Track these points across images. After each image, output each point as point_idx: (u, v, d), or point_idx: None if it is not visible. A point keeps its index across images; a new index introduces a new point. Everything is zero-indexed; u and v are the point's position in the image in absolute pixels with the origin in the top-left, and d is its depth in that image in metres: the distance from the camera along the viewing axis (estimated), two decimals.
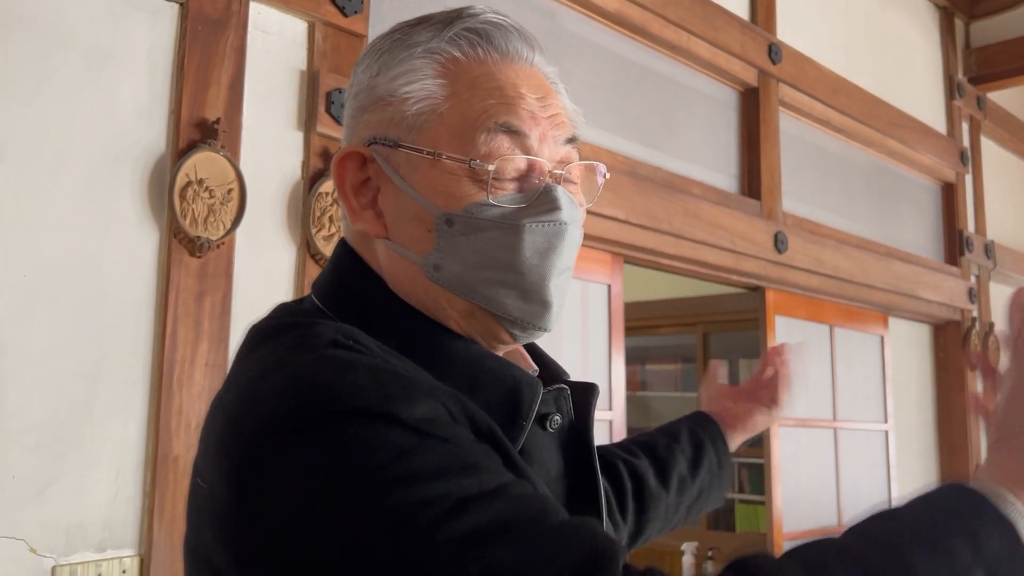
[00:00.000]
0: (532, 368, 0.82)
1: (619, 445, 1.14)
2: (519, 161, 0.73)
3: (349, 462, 0.59)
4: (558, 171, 0.75)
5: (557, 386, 0.77)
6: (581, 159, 0.79)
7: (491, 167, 0.71)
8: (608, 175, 0.82)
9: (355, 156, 0.77)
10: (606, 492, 0.99)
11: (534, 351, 0.85)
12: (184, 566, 0.73)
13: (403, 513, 0.57)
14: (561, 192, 0.74)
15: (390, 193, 0.75)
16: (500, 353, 0.78)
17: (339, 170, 0.77)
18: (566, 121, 0.77)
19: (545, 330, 0.75)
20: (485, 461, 0.62)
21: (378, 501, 0.57)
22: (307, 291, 1.85)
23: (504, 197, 0.72)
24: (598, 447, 1.02)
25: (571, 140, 0.77)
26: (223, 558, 0.64)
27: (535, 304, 0.73)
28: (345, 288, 0.77)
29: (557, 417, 0.76)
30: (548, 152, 0.75)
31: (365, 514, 0.57)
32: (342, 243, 0.81)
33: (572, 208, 0.75)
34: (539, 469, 0.73)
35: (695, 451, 1.15)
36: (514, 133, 0.72)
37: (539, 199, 0.73)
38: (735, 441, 1.25)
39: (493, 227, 0.72)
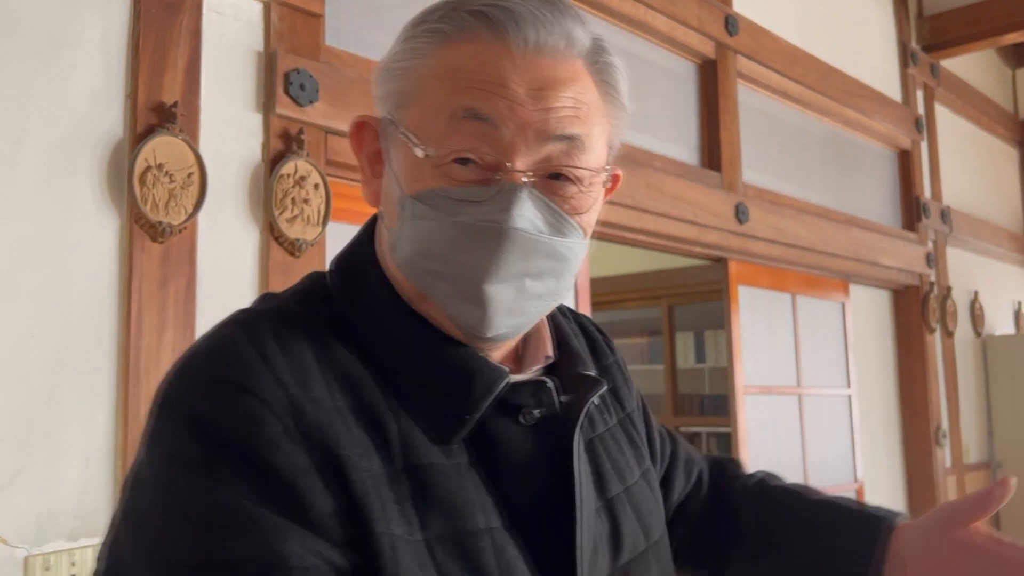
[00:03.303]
0: (547, 355, 0.79)
1: (787, 504, 0.99)
2: (482, 153, 0.68)
3: (156, 473, 0.64)
4: (527, 172, 0.68)
5: (537, 380, 0.75)
6: (609, 164, 0.74)
7: (442, 152, 0.68)
8: (608, 184, 0.76)
9: (366, 126, 0.76)
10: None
11: (563, 337, 0.83)
12: None
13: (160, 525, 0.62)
14: (524, 194, 0.68)
15: (386, 168, 0.76)
16: (493, 352, 0.75)
17: (353, 137, 0.77)
18: (575, 116, 0.69)
19: (482, 335, 0.70)
20: (264, 522, 0.60)
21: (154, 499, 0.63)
22: (271, 274, 1.86)
23: (457, 189, 0.68)
24: (770, 484, 1.01)
25: (570, 137, 0.69)
26: None
27: (469, 304, 0.69)
28: (350, 261, 0.78)
29: (535, 411, 0.73)
30: (525, 149, 0.68)
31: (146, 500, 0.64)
32: (373, 216, 0.81)
33: (538, 212, 0.69)
34: (505, 459, 0.71)
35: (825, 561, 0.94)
36: (482, 122, 0.67)
37: (494, 198, 0.67)
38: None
39: (434, 217, 0.68)
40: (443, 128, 0.68)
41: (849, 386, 4.08)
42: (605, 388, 0.78)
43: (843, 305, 4.11)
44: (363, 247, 0.78)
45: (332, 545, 0.61)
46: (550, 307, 0.75)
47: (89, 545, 1.58)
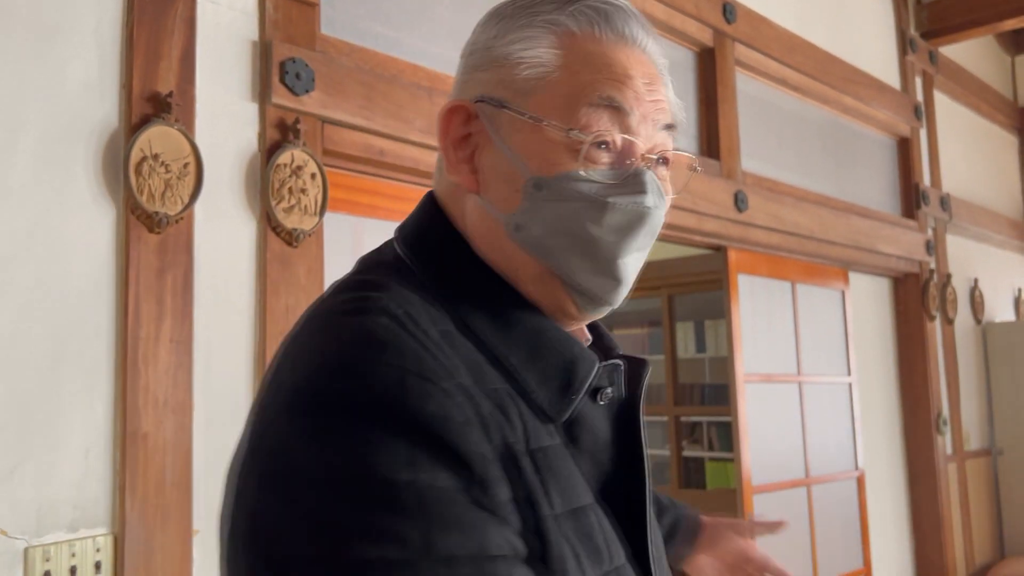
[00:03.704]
0: (587, 339, 0.85)
1: None
2: (616, 138, 0.75)
3: (345, 465, 0.60)
4: (652, 155, 0.77)
5: (613, 361, 0.80)
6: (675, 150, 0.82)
7: (588, 138, 0.73)
8: (699, 169, 0.85)
9: (461, 110, 0.79)
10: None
11: (592, 324, 0.87)
12: None
13: (368, 539, 0.59)
14: (650, 177, 0.76)
15: (488, 151, 0.78)
16: (569, 328, 0.80)
17: (444, 122, 0.79)
18: (668, 109, 0.79)
19: (611, 305, 0.78)
20: (477, 518, 0.61)
21: (354, 516, 0.59)
22: (268, 265, 1.86)
23: (595, 172, 0.74)
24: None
25: (670, 127, 0.79)
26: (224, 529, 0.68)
27: (605, 278, 0.76)
28: (427, 240, 0.80)
29: (609, 390, 0.78)
30: (646, 134, 0.76)
31: (336, 521, 0.59)
32: (428, 195, 0.84)
33: (658, 194, 0.77)
34: (588, 438, 0.75)
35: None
36: (616, 109, 0.74)
37: (628, 179, 0.75)
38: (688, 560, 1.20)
39: (580, 198, 0.74)
40: (582, 116, 0.74)
41: (849, 374, 4.08)
42: (650, 368, 0.84)
43: (843, 293, 4.11)
44: (440, 229, 0.80)
45: (515, 532, 0.64)
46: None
47: (89, 536, 1.58)
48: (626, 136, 0.75)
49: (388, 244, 0.83)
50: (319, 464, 0.61)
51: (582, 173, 0.74)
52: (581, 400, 0.75)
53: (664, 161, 0.79)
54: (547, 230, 0.75)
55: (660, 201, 0.77)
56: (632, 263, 0.77)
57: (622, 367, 0.81)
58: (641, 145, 0.76)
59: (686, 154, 0.81)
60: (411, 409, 0.62)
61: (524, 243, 0.76)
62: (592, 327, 0.87)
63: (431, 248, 0.79)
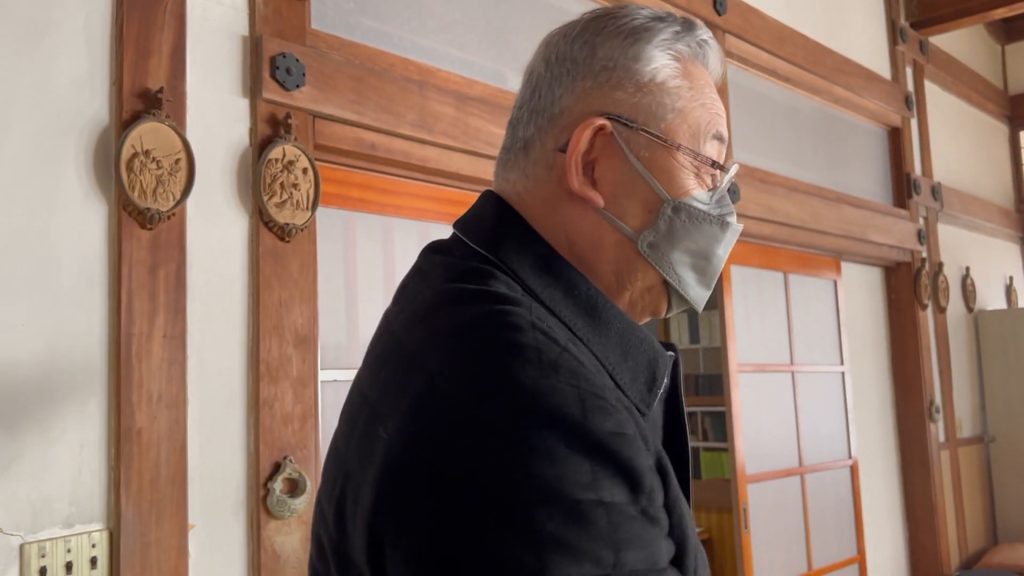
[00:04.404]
0: None
1: None
2: (732, 167, 0.85)
3: (531, 478, 0.60)
4: (730, 176, 0.86)
5: (670, 354, 0.84)
6: None
7: (729, 171, 0.84)
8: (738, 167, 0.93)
9: (598, 127, 0.80)
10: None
11: None
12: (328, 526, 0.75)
13: (560, 548, 0.59)
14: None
15: (615, 167, 0.80)
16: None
17: (579, 135, 0.79)
18: None
19: (698, 309, 0.87)
20: (650, 532, 0.64)
21: (546, 527, 0.59)
22: (261, 260, 1.86)
23: (706, 195, 0.82)
24: None
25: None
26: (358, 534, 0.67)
27: (706, 289, 0.85)
28: (522, 251, 0.79)
29: (666, 381, 0.82)
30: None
31: (526, 534, 0.59)
32: (496, 199, 0.83)
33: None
34: (651, 427, 0.79)
35: None
36: (721, 141, 0.84)
37: (723, 200, 0.84)
38: None
39: (709, 220, 0.82)
40: (707, 147, 0.82)
41: (842, 363, 4.09)
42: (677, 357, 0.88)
43: (835, 283, 4.12)
44: (530, 237, 0.80)
45: (669, 539, 0.67)
46: None
47: (84, 532, 1.59)
48: (734, 163, 0.85)
49: (466, 251, 0.81)
50: (510, 486, 0.60)
51: (703, 196, 0.82)
52: (660, 393, 0.80)
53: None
54: (676, 248, 0.81)
55: None
56: None
57: (673, 359, 0.84)
58: (734, 170, 0.86)
59: (738, 165, 0.91)
60: (592, 427, 0.63)
61: (653, 259, 0.81)
62: None
63: (525, 257, 0.79)
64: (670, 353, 0.83)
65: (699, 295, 0.85)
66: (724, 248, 0.85)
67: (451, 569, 0.60)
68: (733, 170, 0.86)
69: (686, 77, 0.82)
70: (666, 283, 0.83)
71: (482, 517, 0.60)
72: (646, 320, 0.87)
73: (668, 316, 0.87)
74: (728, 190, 0.87)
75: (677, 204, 0.80)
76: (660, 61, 0.81)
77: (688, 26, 0.84)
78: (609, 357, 0.76)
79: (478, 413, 0.63)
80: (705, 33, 0.85)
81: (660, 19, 0.83)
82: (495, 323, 0.68)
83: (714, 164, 0.82)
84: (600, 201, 0.80)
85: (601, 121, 0.79)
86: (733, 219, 0.85)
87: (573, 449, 0.61)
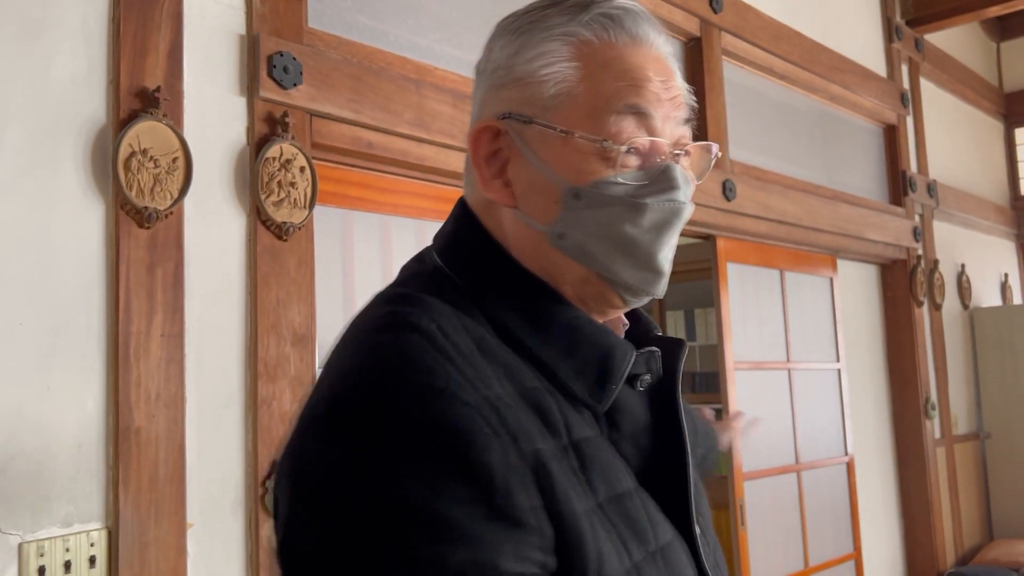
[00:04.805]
0: (625, 324, 0.88)
1: None
2: (644, 141, 0.78)
3: (364, 486, 0.63)
4: (677, 151, 0.80)
5: (648, 349, 0.82)
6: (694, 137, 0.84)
7: (623, 148, 0.76)
8: (720, 155, 0.86)
9: (489, 129, 0.81)
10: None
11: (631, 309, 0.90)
12: None
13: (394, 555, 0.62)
14: (679, 171, 0.79)
15: (520, 166, 0.80)
16: (609, 318, 0.84)
17: (474, 142, 0.82)
18: (684, 102, 0.82)
19: (655, 295, 0.81)
20: (486, 531, 0.63)
21: (379, 540, 0.62)
22: (259, 258, 1.86)
23: (628, 175, 0.77)
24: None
25: (688, 120, 0.82)
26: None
27: (648, 272, 0.79)
28: (464, 249, 0.83)
29: (647, 376, 0.81)
30: (669, 132, 0.79)
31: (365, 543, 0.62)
32: (462, 205, 0.86)
33: (687, 186, 0.80)
34: (628, 425, 0.79)
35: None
36: (640, 114, 0.77)
37: (659, 177, 0.78)
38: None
39: (617, 203, 0.77)
40: (611, 125, 0.76)
41: (838, 360, 4.10)
42: (687, 348, 0.87)
43: (831, 280, 4.13)
44: (476, 237, 0.82)
45: (543, 543, 0.65)
46: None
47: (83, 531, 1.59)
48: (652, 138, 0.78)
49: (428, 251, 0.85)
50: (339, 484, 0.64)
51: (616, 178, 0.77)
52: (619, 388, 0.78)
53: (686, 152, 0.82)
54: (588, 236, 0.78)
55: (689, 192, 0.81)
56: (669, 254, 0.81)
57: (657, 353, 0.83)
58: (667, 144, 0.79)
59: (707, 144, 0.85)
60: (433, 426, 0.64)
61: (567, 250, 0.79)
62: (630, 312, 0.89)
63: (467, 256, 0.82)
64: (652, 348, 0.82)
65: (639, 280, 0.79)
66: (650, 227, 0.78)
67: (290, 551, 0.67)
68: (644, 141, 0.78)
69: (579, 58, 0.78)
70: (600, 275, 0.79)
71: (315, 510, 0.65)
72: (613, 314, 0.84)
73: (634, 306, 0.83)
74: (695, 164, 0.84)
75: (577, 191, 0.77)
76: (542, 48, 0.79)
77: (585, 3, 0.80)
78: (549, 354, 0.76)
79: (324, 415, 0.68)
80: (608, 5, 0.80)
81: (554, 4, 0.81)
82: (372, 325, 0.72)
83: (604, 142, 0.76)
84: (510, 201, 0.80)
85: (489, 123, 0.81)
86: (661, 198, 0.78)
87: (411, 450, 0.63)
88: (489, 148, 0.81)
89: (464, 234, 0.83)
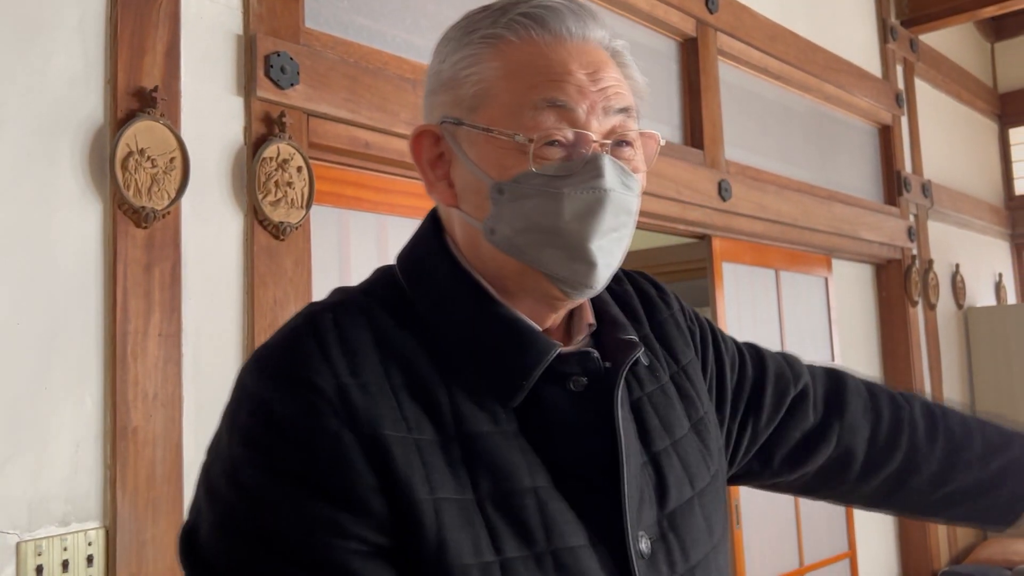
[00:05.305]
0: (591, 324, 0.88)
1: (933, 422, 1.12)
2: (566, 132, 0.78)
3: (221, 466, 0.75)
4: (608, 141, 0.80)
5: (584, 350, 0.83)
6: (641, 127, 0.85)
7: (534, 138, 0.77)
8: (664, 142, 0.87)
9: (428, 134, 0.84)
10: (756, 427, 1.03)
11: (604, 308, 0.90)
12: None
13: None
14: (607, 160, 0.78)
15: (458, 166, 0.83)
16: (560, 311, 0.85)
17: (415, 146, 0.85)
18: (622, 92, 0.81)
19: (593, 287, 0.81)
20: (312, 504, 0.70)
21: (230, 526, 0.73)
22: (256, 258, 1.86)
23: (548, 167, 0.78)
24: (908, 394, 1.16)
25: (624, 109, 0.81)
26: None
27: (579, 263, 0.79)
28: (413, 251, 0.87)
29: (583, 379, 0.81)
30: (598, 123, 0.79)
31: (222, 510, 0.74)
32: (431, 211, 0.90)
33: (618, 174, 0.79)
34: (555, 425, 0.79)
35: (995, 477, 1.11)
36: (560, 108, 0.78)
37: (583, 168, 0.78)
38: None
39: (536, 194, 0.78)
40: (527, 119, 0.78)
41: (833, 360, 4.11)
42: (640, 351, 0.86)
43: (826, 280, 4.14)
44: (428, 238, 0.86)
45: (373, 522, 0.70)
46: (622, 258, 0.84)
47: (81, 530, 1.59)
48: (576, 129, 0.78)
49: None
50: (209, 451, 0.78)
51: (534, 171, 0.78)
52: (529, 386, 0.78)
53: (626, 143, 0.82)
54: (514, 230, 0.79)
55: (625, 181, 0.80)
56: (606, 245, 0.80)
57: (595, 355, 0.83)
58: (593, 135, 0.79)
59: (647, 132, 0.84)
60: (273, 407, 0.72)
61: (499, 245, 0.80)
62: (602, 311, 0.90)
63: (417, 258, 0.86)
64: (587, 350, 0.83)
65: (571, 272, 0.79)
66: (572, 217, 0.78)
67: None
68: (565, 133, 0.78)
69: (498, 57, 0.80)
70: (534, 268, 0.80)
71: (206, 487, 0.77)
72: (562, 306, 0.84)
73: (577, 298, 0.82)
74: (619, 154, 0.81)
75: (500, 185, 0.79)
76: (466, 52, 0.81)
77: (507, 6, 0.82)
78: (462, 349, 0.79)
79: (227, 408, 0.78)
80: (530, 4, 0.81)
81: (484, 9, 0.83)
82: (282, 330, 0.79)
83: (516, 136, 0.78)
84: (452, 201, 0.84)
85: (426, 128, 0.84)
86: (582, 187, 0.78)
87: (251, 435, 0.73)
88: (433, 152, 0.84)
89: (418, 236, 0.88)
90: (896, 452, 1.09)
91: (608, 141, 0.80)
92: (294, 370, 0.73)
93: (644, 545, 0.78)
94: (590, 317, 0.89)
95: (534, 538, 0.73)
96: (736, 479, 1.06)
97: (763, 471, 1.06)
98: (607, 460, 0.79)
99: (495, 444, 0.75)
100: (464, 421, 0.75)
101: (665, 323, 0.97)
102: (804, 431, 1.06)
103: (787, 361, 1.10)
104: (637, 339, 0.87)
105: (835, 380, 1.12)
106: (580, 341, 0.87)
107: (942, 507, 1.13)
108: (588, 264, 0.79)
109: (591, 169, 0.78)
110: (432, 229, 0.87)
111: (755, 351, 1.10)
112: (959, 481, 1.11)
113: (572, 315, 0.88)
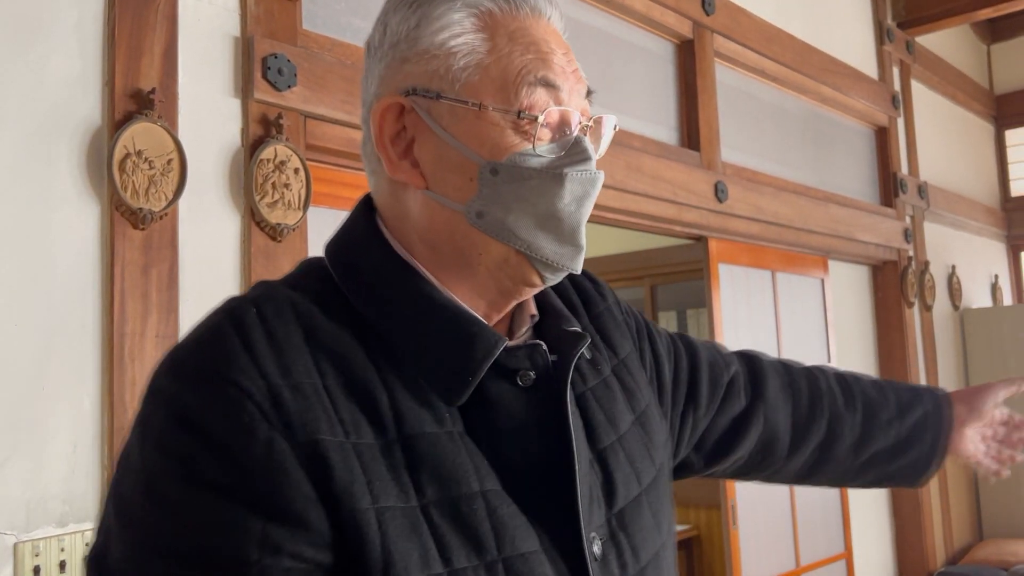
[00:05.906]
0: (534, 316, 0.84)
1: (848, 389, 1.19)
2: (555, 113, 0.76)
3: (138, 458, 0.67)
4: (585, 122, 0.78)
5: (532, 343, 0.79)
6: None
7: (540, 118, 0.74)
8: (617, 127, 0.85)
9: (394, 107, 0.77)
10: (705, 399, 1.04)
11: (545, 299, 0.87)
12: None
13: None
14: (588, 142, 0.77)
15: (428, 144, 0.76)
16: (522, 299, 0.81)
17: (379, 122, 0.78)
18: (582, 76, 0.80)
19: (574, 271, 0.79)
20: (237, 515, 0.63)
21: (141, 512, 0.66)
22: (253, 259, 1.87)
23: (544, 147, 0.75)
24: (817, 367, 1.18)
25: (590, 91, 0.81)
26: None
27: (569, 247, 0.77)
28: (345, 240, 0.81)
29: (532, 373, 0.77)
30: (576, 104, 0.78)
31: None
32: (363, 198, 0.84)
33: (594, 157, 0.78)
34: (504, 422, 0.74)
35: (910, 434, 1.19)
36: (550, 86, 0.76)
37: (573, 149, 0.76)
38: (953, 437, 1.22)
39: (537, 176, 0.74)
40: (523, 96, 0.74)
41: (829, 361, 4.12)
42: (588, 342, 0.82)
43: (822, 281, 4.15)
44: (361, 227, 0.80)
45: (310, 537, 0.63)
46: None
47: (78, 531, 1.59)
48: (561, 108, 0.76)
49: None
50: (122, 459, 0.69)
51: (536, 151, 0.75)
52: (476, 382, 0.73)
53: (590, 126, 0.80)
54: (509, 212, 0.74)
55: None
56: (585, 229, 0.79)
57: (543, 347, 0.79)
58: (578, 115, 0.77)
59: (608, 116, 0.83)
60: (196, 412, 0.65)
61: (487, 229, 0.75)
62: (543, 302, 0.86)
63: (350, 248, 0.79)
64: (536, 342, 0.79)
65: (560, 255, 0.77)
66: (571, 200, 0.76)
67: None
68: (555, 113, 0.76)
69: (484, 29, 0.76)
70: (521, 252, 0.76)
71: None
72: (528, 293, 0.80)
73: (551, 283, 0.79)
74: (593, 133, 0.81)
75: (494, 166, 0.74)
76: (446, 19, 0.76)
77: None
78: (403, 345, 0.73)
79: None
80: None
81: None
82: (200, 326, 0.73)
83: (520, 114, 0.74)
84: (420, 182, 0.77)
85: (393, 100, 0.77)
86: (578, 168, 0.76)
87: (169, 432, 0.65)
88: (393, 127, 0.77)
89: (348, 225, 0.82)
90: (819, 422, 1.13)
91: (589, 122, 0.79)
92: (216, 370, 0.65)
93: (596, 547, 0.75)
94: (532, 308, 0.85)
95: (484, 546, 0.68)
96: (674, 472, 1.03)
97: (697, 461, 1.06)
98: (557, 459, 0.75)
99: (440, 446, 0.70)
100: (405, 422, 0.69)
101: (602, 316, 0.94)
102: (734, 416, 1.08)
103: (716, 349, 1.11)
104: (581, 330, 0.83)
105: (751, 361, 1.15)
106: (523, 334, 0.83)
107: (864, 470, 1.18)
108: (576, 247, 0.77)
109: (579, 151, 0.76)
110: (365, 217, 0.81)
111: (687, 341, 1.09)
112: (880, 442, 1.16)
113: (516, 307, 0.83)
